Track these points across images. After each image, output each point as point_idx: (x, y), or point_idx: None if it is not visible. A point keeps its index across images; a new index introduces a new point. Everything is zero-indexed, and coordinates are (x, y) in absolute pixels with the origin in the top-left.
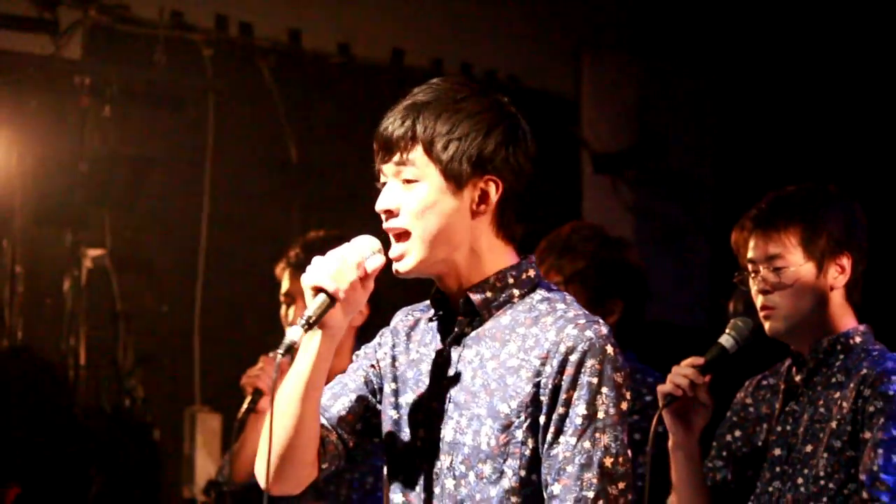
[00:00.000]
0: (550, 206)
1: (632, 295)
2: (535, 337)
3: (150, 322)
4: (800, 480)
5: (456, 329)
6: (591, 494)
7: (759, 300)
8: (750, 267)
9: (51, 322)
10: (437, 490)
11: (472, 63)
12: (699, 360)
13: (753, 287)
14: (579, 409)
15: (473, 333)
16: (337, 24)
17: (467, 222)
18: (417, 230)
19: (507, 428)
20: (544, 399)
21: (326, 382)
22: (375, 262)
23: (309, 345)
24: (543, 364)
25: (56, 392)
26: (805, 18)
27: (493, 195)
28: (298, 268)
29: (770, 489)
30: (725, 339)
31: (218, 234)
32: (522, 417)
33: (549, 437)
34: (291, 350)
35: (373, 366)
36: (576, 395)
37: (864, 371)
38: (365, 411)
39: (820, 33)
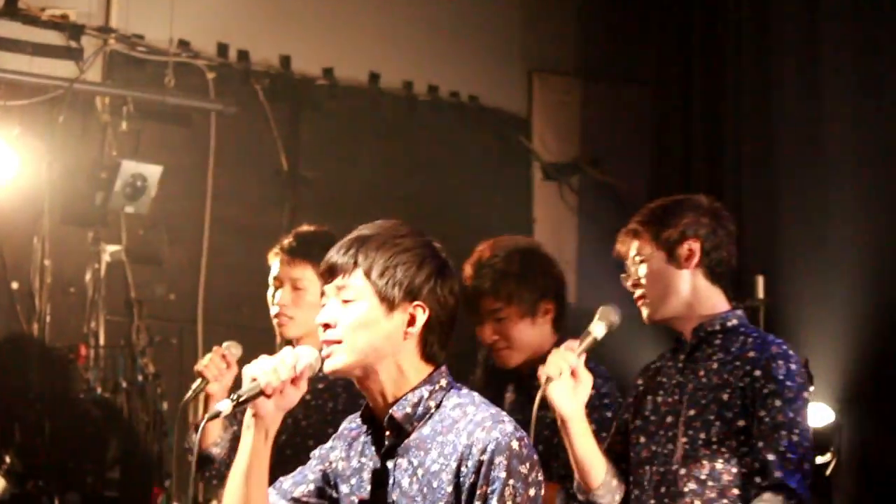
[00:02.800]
0: (507, 207)
1: (558, 295)
2: (452, 443)
3: (160, 309)
4: (685, 440)
5: (386, 443)
6: None
7: (634, 294)
8: (626, 267)
9: (74, 308)
10: None
11: (438, 85)
12: (574, 345)
13: (628, 284)
14: (492, 501)
15: (403, 444)
16: (322, 51)
17: (395, 341)
18: (349, 341)
19: None
20: (463, 497)
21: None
22: (304, 363)
23: (246, 438)
24: (459, 466)
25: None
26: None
27: (420, 320)
28: (289, 254)
29: (664, 451)
30: (594, 327)
31: (218, 233)
32: None
33: None
34: (217, 416)
35: (327, 465)
36: (489, 489)
37: (753, 354)
38: (322, 499)
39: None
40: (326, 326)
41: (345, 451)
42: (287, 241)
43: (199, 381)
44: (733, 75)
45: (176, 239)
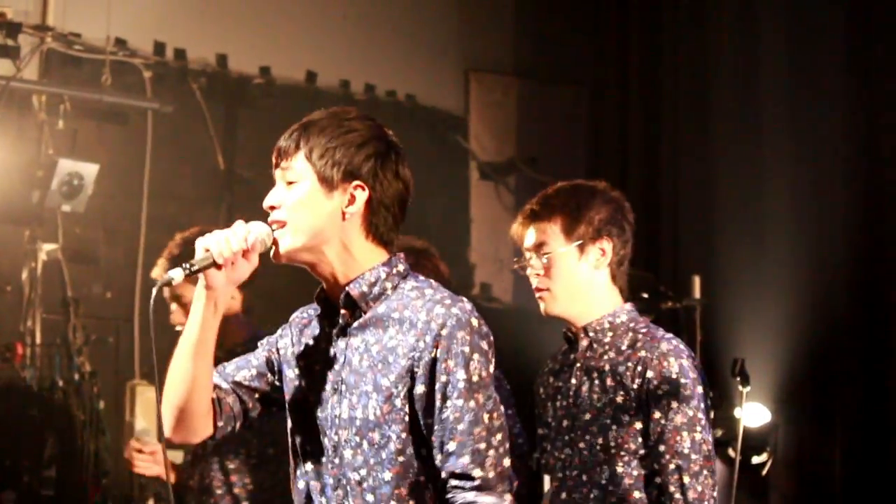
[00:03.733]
0: (444, 206)
1: None
2: (409, 319)
3: (97, 307)
4: (582, 445)
5: (340, 321)
6: (482, 446)
7: (533, 283)
8: (525, 255)
9: (11, 306)
10: (336, 461)
11: (376, 84)
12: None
13: (528, 272)
14: (459, 374)
15: (356, 324)
16: (258, 50)
17: (337, 221)
18: (292, 222)
19: (388, 399)
20: (418, 370)
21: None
22: (254, 237)
23: (195, 308)
24: (417, 340)
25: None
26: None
27: (361, 199)
28: (173, 263)
29: (562, 456)
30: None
31: (155, 232)
32: (400, 387)
33: (436, 402)
34: (169, 284)
35: (273, 351)
36: (452, 363)
37: (643, 353)
38: (264, 384)
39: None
40: (272, 208)
41: (296, 337)
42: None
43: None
44: (670, 75)
45: (112, 237)
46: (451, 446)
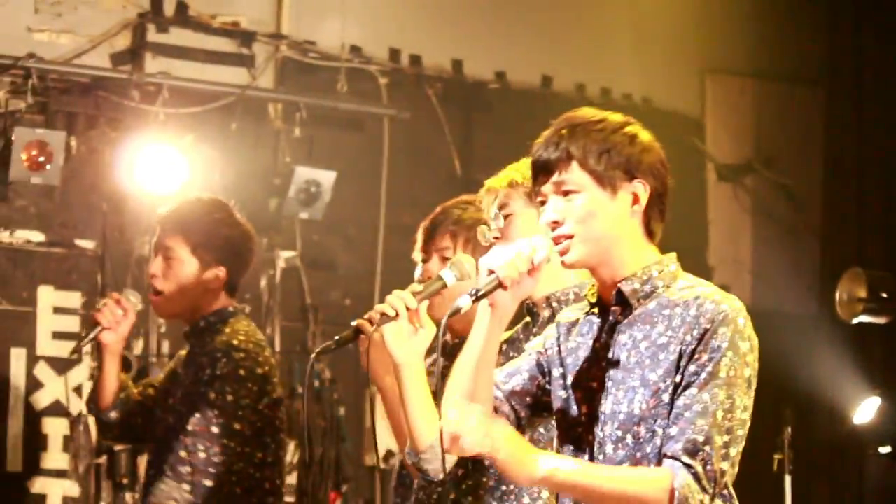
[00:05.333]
0: (682, 208)
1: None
2: (680, 315)
3: (335, 314)
4: None
5: (610, 318)
6: (700, 438)
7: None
8: None
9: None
10: (600, 457)
11: (611, 87)
12: (418, 288)
13: None
14: (707, 367)
15: (626, 320)
16: (494, 55)
17: (623, 222)
18: (580, 233)
19: (655, 393)
20: (682, 363)
21: None
22: (541, 256)
23: (480, 324)
24: (685, 335)
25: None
26: None
27: (644, 196)
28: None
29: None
30: (446, 273)
31: (393, 238)
32: (668, 382)
33: (680, 389)
34: (457, 313)
35: (542, 353)
36: (706, 356)
37: None
38: (535, 388)
39: None
40: (555, 224)
41: (563, 336)
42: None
43: (93, 327)
44: None
45: (350, 244)
46: (673, 430)
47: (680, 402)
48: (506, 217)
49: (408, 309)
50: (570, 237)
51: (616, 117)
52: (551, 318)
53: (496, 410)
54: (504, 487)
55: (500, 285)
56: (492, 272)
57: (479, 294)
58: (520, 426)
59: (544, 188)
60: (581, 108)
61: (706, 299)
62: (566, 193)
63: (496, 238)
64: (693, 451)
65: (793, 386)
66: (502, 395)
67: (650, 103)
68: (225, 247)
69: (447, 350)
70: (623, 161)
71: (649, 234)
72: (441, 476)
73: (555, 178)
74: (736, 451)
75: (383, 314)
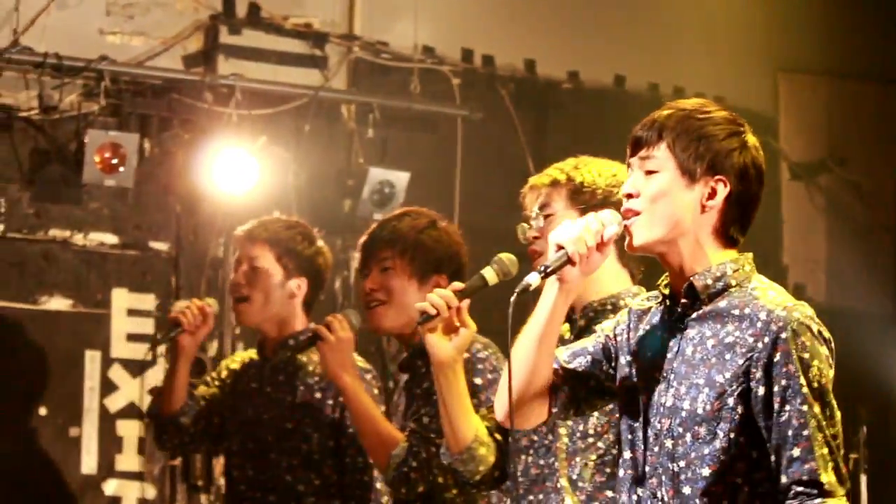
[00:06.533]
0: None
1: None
2: (749, 318)
3: None
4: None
5: (679, 311)
6: (825, 451)
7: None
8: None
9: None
10: (656, 448)
11: (685, 87)
12: (459, 286)
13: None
14: (801, 380)
15: (695, 315)
16: (566, 54)
17: (695, 214)
18: (648, 212)
19: (720, 395)
20: (756, 372)
21: None
22: (611, 232)
23: (547, 297)
24: (756, 341)
25: None
26: None
27: (721, 194)
28: None
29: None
30: (487, 271)
31: (467, 238)
32: (735, 386)
33: (775, 406)
34: (526, 291)
35: (610, 337)
36: (794, 368)
37: None
38: (598, 372)
39: None
40: (629, 196)
41: (633, 324)
42: None
43: (172, 328)
44: None
45: None
46: (796, 452)
47: (787, 419)
48: (546, 217)
49: (449, 307)
50: (638, 213)
51: (722, 114)
52: (586, 328)
53: (556, 388)
54: (531, 497)
55: (570, 261)
56: (560, 247)
57: (548, 270)
58: (578, 408)
59: (632, 160)
60: (696, 98)
61: (777, 305)
62: (649, 172)
63: (535, 237)
64: (826, 466)
65: (868, 385)
66: (564, 373)
67: (723, 102)
68: (308, 259)
69: (404, 364)
70: (711, 154)
71: (725, 235)
72: (480, 471)
73: (642, 153)
74: (843, 450)
75: (424, 312)
